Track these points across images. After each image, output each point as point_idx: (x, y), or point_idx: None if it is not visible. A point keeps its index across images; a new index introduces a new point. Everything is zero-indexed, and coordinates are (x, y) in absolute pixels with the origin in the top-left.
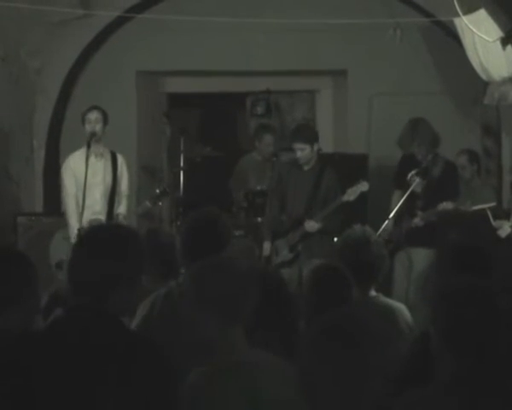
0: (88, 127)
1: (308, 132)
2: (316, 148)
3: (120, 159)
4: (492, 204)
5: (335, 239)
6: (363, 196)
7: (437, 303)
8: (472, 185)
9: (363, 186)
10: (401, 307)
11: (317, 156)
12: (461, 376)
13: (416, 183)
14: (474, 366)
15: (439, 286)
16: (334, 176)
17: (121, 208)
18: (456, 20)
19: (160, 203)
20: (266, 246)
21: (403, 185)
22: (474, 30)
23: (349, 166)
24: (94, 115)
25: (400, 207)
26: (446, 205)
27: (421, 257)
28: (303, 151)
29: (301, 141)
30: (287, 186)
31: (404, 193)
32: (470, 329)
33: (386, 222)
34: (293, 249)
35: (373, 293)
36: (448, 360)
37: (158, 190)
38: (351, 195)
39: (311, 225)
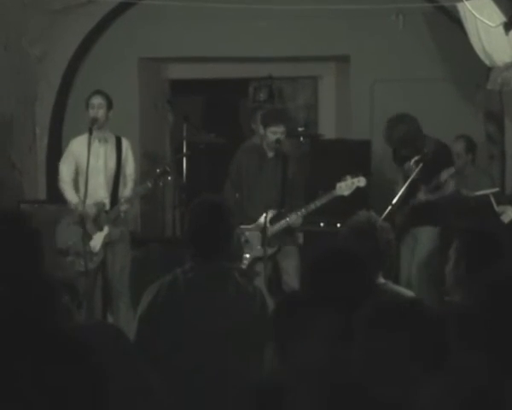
0: (90, 112)
1: (287, 116)
2: None
3: (125, 143)
4: (495, 190)
5: (338, 225)
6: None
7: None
8: (465, 174)
9: (360, 182)
10: (409, 294)
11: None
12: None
13: (416, 171)
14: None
15: (482, 277)
16: (297, 166)
17: (127, 192)
18: (459, 6)
19: (161, 184)
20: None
21: (402, 161)
22: (477, 15)
23: (352, 153)
24: (97, 100)
25: (402, 194)
26: (448, 171)
27: (425, 236)
28: (282, 135)
29: (283, 124)
30: (247, 174)
31: (404, 176)
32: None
33: (390, 208)
34: (270, 243)
35: (381, 280)
36: (478, 347)
37: (158, 170)
38: (344, 189)
39: (296, 220)
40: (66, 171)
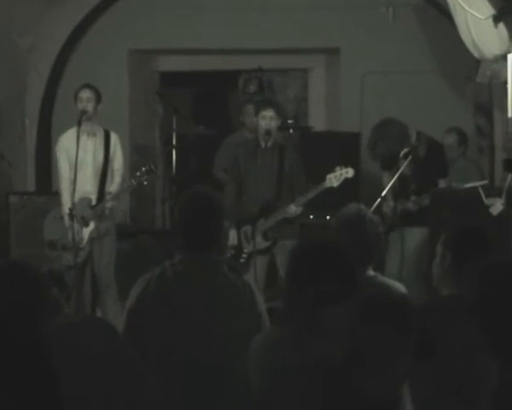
0: (79, 106)
1: (279, 105)
2: (279, 123)
3: (114, 137)
4: (484, 182)
5: (328, 217)
6: (354, 176)
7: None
8: (455, 166)
9: (348, 173)
10: (399, 287)
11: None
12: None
13: (405, 165)
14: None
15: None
16: (296, 155)
17: (114, 186)
18: None
19: (145, 183)
20: (233, 234)
21: (390, 167)
22: (466, 7)
23: (341, 145)
24: (86, 94)
25: (392, 189)
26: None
27: (413, 234)
28: (272, 121)
29: (273, 109)
30: (245, 169)
31: (393, 174)
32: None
33: (378, 201)
34: (267, 237)
35: (371, 273)
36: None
37: (143, 168)
38: (334, 181)
39: (295, 210)
40: (64, 169)
